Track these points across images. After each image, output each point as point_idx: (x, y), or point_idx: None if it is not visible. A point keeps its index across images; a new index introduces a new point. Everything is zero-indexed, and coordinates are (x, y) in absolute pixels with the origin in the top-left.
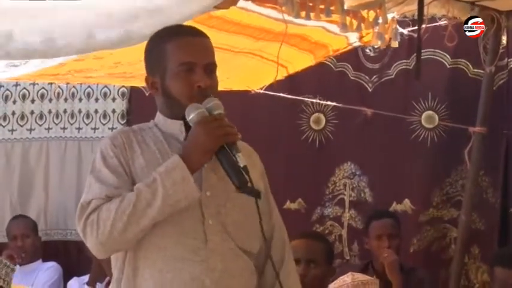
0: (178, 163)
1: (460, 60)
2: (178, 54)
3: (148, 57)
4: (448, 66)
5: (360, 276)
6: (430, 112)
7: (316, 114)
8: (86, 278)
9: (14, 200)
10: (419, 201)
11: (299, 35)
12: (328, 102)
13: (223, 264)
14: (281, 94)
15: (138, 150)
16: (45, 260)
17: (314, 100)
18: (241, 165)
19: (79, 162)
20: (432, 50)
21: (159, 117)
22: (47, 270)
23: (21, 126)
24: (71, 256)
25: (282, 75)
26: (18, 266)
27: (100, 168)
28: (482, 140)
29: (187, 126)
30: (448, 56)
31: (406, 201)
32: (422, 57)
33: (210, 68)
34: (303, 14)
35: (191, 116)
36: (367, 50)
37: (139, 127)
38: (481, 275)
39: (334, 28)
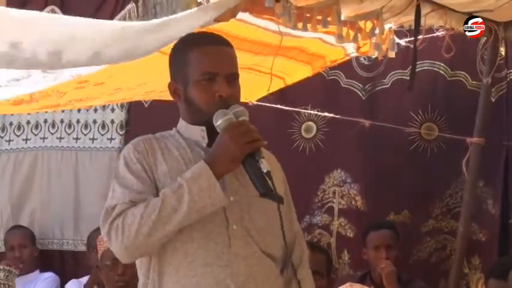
0: (205, 169)
1: (458, 72)
2: (200, 63)
3: (172, 64)
4: (447, 78)
5: (359, 287)
6: (429, 124)
7: (308, 122)
8: (84, 279)
9: (7, 210)
10: (419, 212)
11: (296, 47)
12: (326, 114)
13: (248, 268)
14: (279, 106)
15: (161, 156)
16: (42, 270)
17: (312, 112)
18: (265, 171)
19: (76, 172)
20: (430, 61)
21: (181, 123)
22: (45, 281)
23: (18, 136)
24: (67, 266)
25: (279, 86)
26: None
27: (124, 174)
28: (480, 150)
29: (209, 132)
30: (446, 68)
31: (405, 212)
32: (420, 68)
33: (233, 77)
34: (300, 25)
35: (219, 122)
36: (361, 59)
37: (162, 134)
38: (482, 286)
39: (331, 39)
